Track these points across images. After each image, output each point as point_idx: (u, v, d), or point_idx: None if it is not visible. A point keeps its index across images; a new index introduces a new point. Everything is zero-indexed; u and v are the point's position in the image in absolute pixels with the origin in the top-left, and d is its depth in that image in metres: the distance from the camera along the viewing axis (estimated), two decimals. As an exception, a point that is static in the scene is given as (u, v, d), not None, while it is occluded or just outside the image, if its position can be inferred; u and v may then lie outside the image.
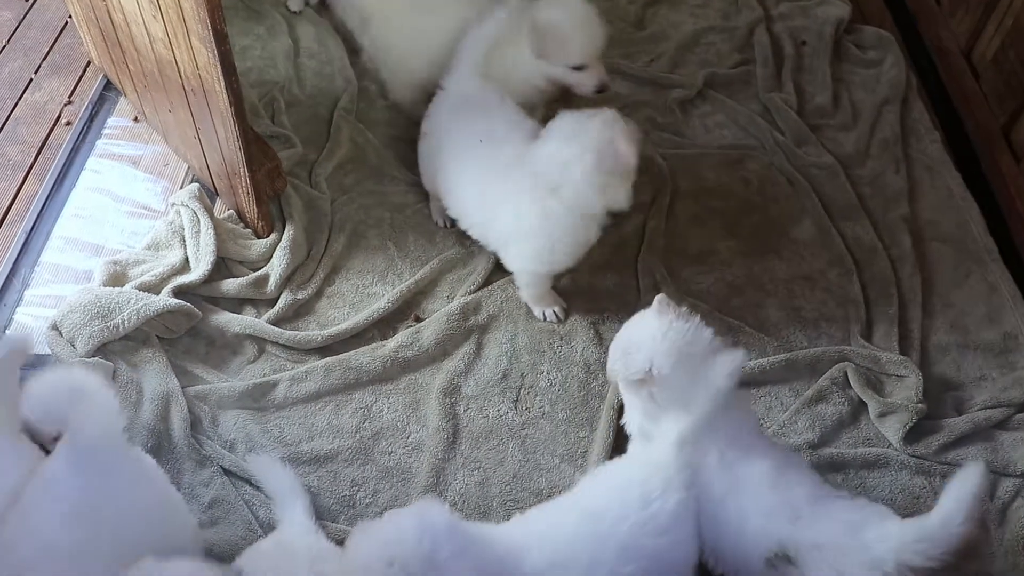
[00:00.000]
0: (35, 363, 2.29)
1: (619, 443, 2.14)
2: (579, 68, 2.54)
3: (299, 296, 2.48)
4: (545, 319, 2.47)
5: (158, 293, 2.36)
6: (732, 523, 1.80)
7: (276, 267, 2.49)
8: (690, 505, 1.79)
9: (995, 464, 2.21)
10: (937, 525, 1.65)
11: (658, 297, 1.88)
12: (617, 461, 1.97)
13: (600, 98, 2.60)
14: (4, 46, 3.16)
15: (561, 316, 2.47)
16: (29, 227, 2.60)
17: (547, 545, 1.70)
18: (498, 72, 2.52)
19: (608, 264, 2.60)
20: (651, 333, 1.81)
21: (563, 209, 2.18)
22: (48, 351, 2.28)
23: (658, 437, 1.85)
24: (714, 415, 1.80)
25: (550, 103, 2.68)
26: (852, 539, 1.72)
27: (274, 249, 2.54)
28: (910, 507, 2.15)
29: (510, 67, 2.56)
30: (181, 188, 2.67)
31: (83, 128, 2.88)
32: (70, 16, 3.13)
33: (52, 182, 2.72)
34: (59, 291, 2.44)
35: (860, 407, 2.33)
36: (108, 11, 2.52)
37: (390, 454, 2.21)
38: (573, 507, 1.82)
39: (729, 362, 1.81)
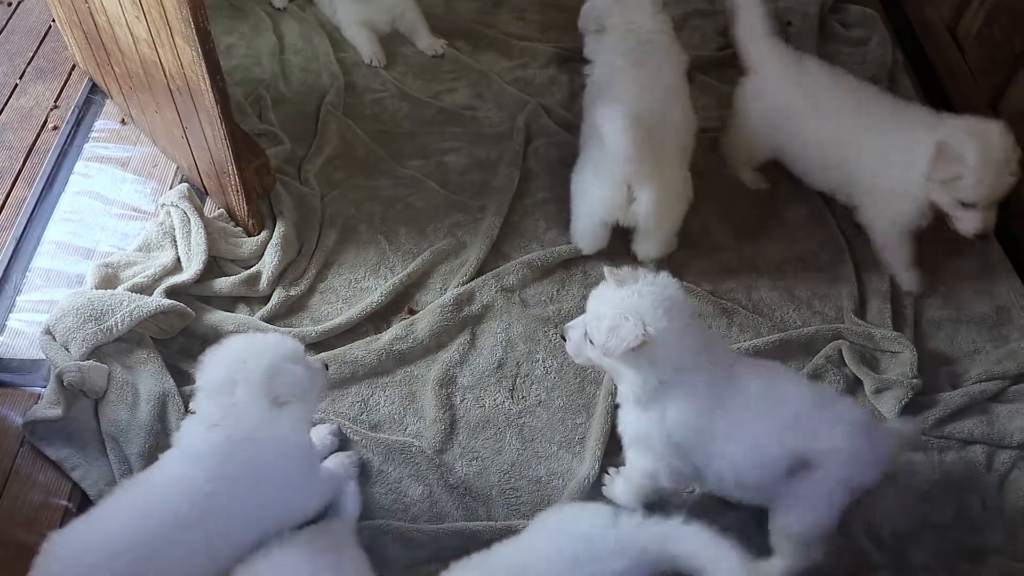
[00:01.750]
0: (28, 368, 2.30)
1: (615, 428, 2.13)
2: (969, 205, 2.32)
3: (292, 292, 2.47)
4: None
5: (150, 294, 2.36)
6: (752, 442, 1.82)
7: (268, 264, 2.49)
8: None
9: (991, 436, 2.22)
10: None
11: (606, 270, 1.86)
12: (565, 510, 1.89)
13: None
14: (-12, 52, 3.15)
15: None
16: (19, 233, 2.59)
17: None
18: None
19: (606, 251, 2.59)
20: (626, 300, 1.78)
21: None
22: (42, 356, 2.27)
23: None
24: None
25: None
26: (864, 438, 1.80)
27: (265, 246, 2.54)
28: (910, 482, 2.15)
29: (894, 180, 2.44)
30: (170, 189, 2.67)
31: (70, 132, 2.87)
32: (53, 20, 3.12)
33: (41, 187, 2.71)
34: (51, 296, 2.44)
35: (856, 384, 2.34)
36: (91, 14, 2.51)
37: (388, 447, 2.21)
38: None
39: None
